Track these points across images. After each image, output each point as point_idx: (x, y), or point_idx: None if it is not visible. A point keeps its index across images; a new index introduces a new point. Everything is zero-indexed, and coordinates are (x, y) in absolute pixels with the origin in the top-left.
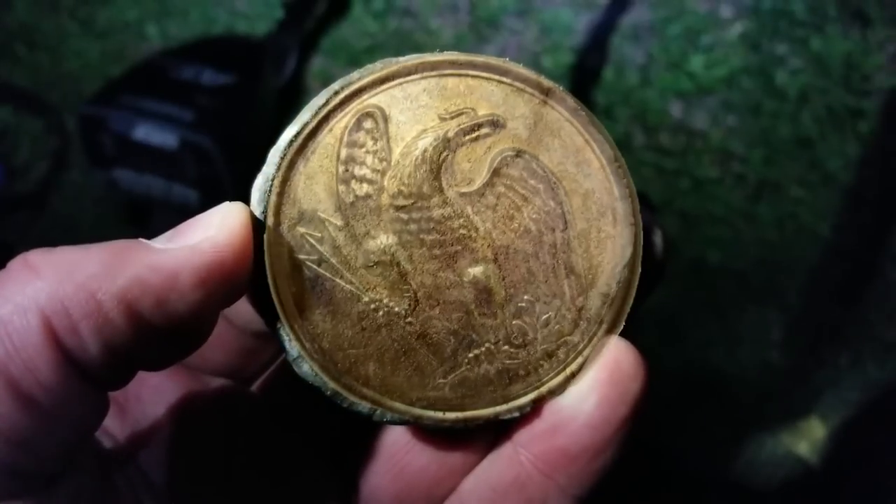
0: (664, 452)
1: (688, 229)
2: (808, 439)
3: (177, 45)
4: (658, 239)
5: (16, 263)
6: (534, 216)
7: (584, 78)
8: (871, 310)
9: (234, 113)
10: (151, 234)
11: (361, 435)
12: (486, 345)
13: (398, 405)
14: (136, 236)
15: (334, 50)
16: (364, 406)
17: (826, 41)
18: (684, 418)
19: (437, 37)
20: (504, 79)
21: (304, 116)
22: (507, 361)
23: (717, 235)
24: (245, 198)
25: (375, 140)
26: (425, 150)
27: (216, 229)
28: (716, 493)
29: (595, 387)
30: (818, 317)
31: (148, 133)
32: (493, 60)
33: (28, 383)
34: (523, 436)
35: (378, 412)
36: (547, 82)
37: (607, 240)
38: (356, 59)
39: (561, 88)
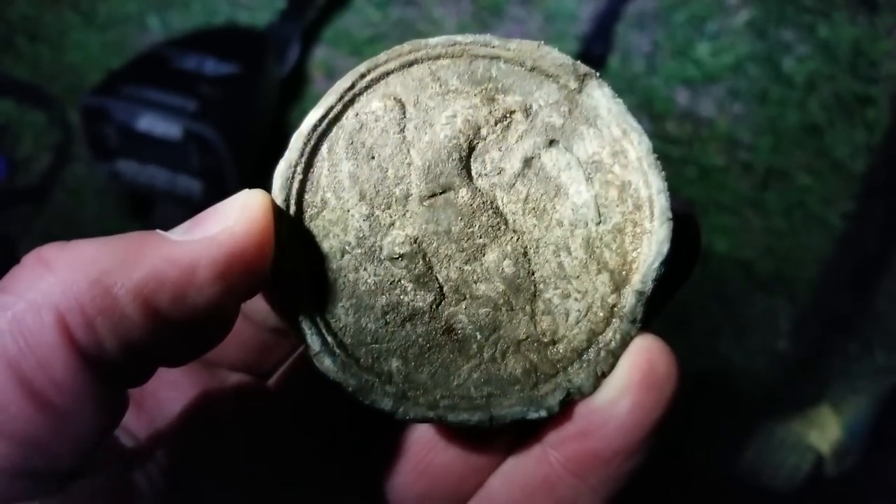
0: (671, 443)
1: (696, 217)
2: (818, 428)
3: (179, 36)
4: (692, 232)
5: (29, 258)
6: (567, 209)
7: (589, 66)
8: (880, 298)
9: (237, 103)
10: (155, 225)
11: (382, 431)
12: (514, 341)
13: (421, 403)
14: (139, 228)
15: (336, 40)
16: (387, 403)
17: (833, 27)
18: (692, 408)
19: (439, 26)
20: (538, 64)
21: (329, 100)
22: (536, 359)
23: (724, 224)
24: (244, 185)
25: (401, 126)
26: (453, 137)
27: (235, 219)
28: (726, 483)
29: (628, 389)
30: (827, 305)
31: (151, 124)
32: (527, 44)
33: (42, 383)
34: (553, 436)
35: (401, 410)
36: (583, 68)
37: (643, 235)
38: (358, 49)
39: (598, 75)
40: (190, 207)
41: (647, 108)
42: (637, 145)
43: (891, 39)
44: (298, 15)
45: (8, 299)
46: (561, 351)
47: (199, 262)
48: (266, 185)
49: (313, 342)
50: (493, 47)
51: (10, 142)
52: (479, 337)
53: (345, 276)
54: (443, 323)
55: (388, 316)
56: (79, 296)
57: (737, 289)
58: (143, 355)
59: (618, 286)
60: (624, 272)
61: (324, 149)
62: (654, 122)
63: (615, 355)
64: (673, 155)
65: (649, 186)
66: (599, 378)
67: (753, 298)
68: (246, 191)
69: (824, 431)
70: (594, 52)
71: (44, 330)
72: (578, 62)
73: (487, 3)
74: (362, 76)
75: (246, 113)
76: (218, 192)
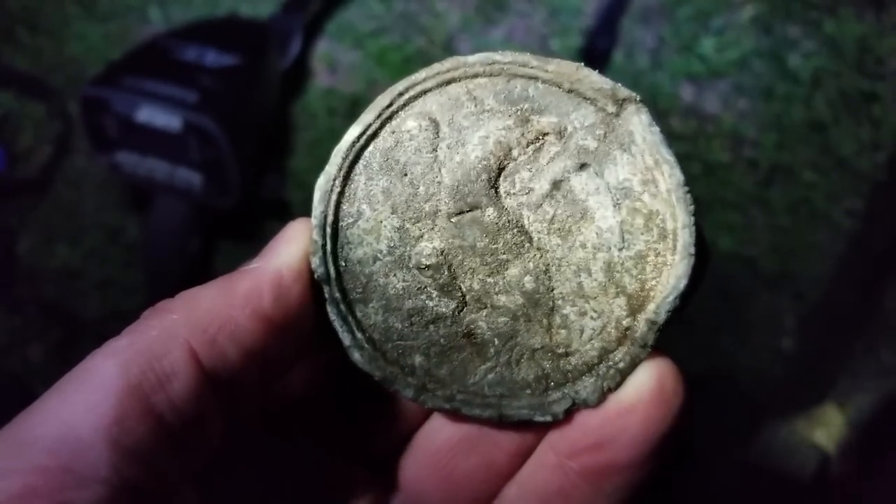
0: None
1: (699, 215)
2: (823, 426)
3: (180, 26)
4: (705, 262)
5: (148, 312)
6: (591, 232)
7: (593, 61)
8: (886, 296)
9: (237, 95)
10: (154, 216)
11: (405, 434)
12: (530, 349)
13: (439, 395)
14: (139, 220)
15: (339, 32)
16: (408, 392)
17: (839, 24)
18: (696, 406)
19: (443, 19)
20: (576, 87)
21: (368, 117)
22: (548, 368)
23: (728, 221)
24: (245, 178)
25: (434, 146)
26: (483, 158)
27: (286, 242)
28: (730, 481)
29: (639, 404)
30: (832, 303)
31: (151, 115)
32: (566, 65)
33: (166, 407)
34: (567, 448)
35: (421, 398)
36: (623, 92)
37: (664, 267)
38: (361, 42)
39: (638, 99)
40: (190, 200)
41: (651, 103)
42: (668, 177)
43: None
44: (301, 7)
45: (136, 337)
46: (573, 363)
47: (281, 269)
48: (265, 177)
49: (345, 337)
50: (532, 67)
51: (10, 133)
52: (496, 342)
53: (376, 280)
54: (463, 328)
55: (413, 318)
56: (200, 321)
57: (741, 286)
58: (257, 359)
59: (633, 311)
60: (640, 299)
61: (361, 164)
62: (658, 117)
63: (623, 374)
64: (677, 151)
65: (675, 220)
66: (605, 393)
67: (758, 296)
68: (291, 223)
69: (829, 430)
70: (599, 46)
71: (173, 358)
72: (619, 85)
73: None
74: (400, 94)
75: (247, 105)
76: (218, 184)
